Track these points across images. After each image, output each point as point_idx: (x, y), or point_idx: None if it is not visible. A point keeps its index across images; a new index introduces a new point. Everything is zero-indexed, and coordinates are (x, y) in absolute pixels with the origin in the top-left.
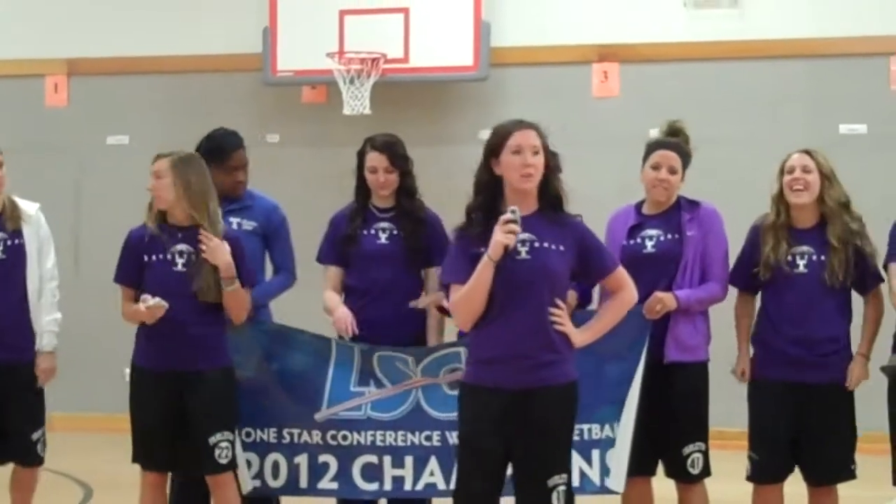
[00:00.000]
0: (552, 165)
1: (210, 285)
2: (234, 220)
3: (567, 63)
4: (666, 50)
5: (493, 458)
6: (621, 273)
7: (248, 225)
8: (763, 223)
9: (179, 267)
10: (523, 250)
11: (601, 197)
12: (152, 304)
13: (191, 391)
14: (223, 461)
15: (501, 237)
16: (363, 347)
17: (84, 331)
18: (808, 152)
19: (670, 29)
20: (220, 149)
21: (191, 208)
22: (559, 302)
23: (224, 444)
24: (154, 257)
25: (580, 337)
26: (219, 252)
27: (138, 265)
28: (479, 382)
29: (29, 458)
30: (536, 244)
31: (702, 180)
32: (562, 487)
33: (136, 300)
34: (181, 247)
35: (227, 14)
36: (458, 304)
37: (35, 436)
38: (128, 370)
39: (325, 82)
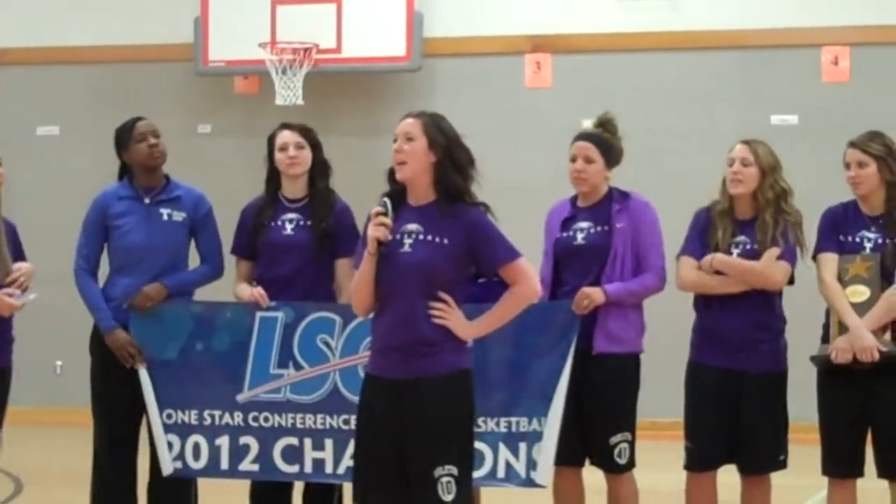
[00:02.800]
0: (447, 157)
1: None
2: (165, 212)
3: (500, 54)
4: (599, 41)
5: (388, 446)
6: (519, 266)
7: (178, 216)
8: (714, 209)
9: None
10: (407, 243)
11: (534, 187)
12: None
13: None
14: None
15: (372, 231)
16: (287, 315)
17: (15, 323)
18: (749, 144)
19: (604, 20)
20: (121, 130)
21: None
22: (443, 295)
23: None
24: None
25: (469, 330)
26: None
27: None
28: (371, 371)
29: None
30: (420, 237)
31: (636, 171)
32: (446, 479)
33: None
34: None
35: (159, 4)
36: (353, 292)
37: None
38: (59, 363)
39: (257, 72)
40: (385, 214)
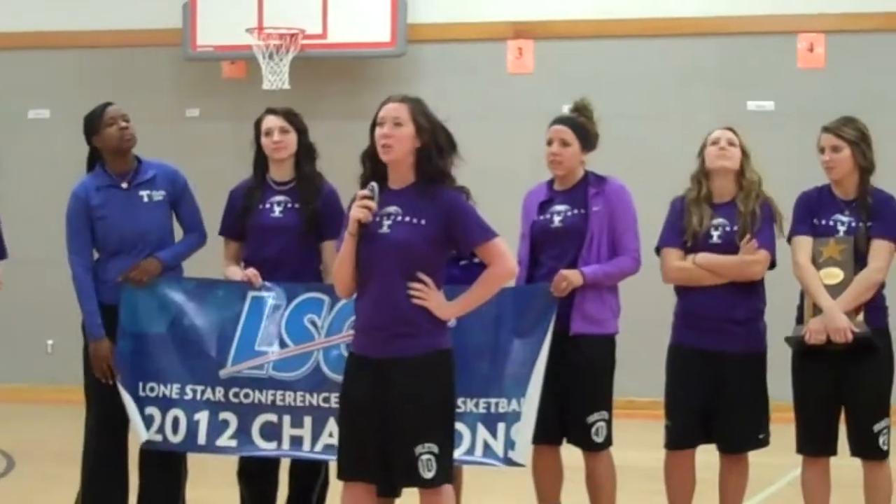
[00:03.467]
0: (431, 141)
1: None
2: (144, 194)
3: (482, 40)
4: (580, 27)
5: (369, 424)
6: (494, 245)
7: (158, 195)
8: (686, 197)
9: None
10: (386, 224)
11: (515, 170)
12: None
13: None
14: None
15: (355, 211)
16: (276, 296)
17: (7, 303)
18: (732, 129)
19: (584, 7)
20: (91, 116)
21: None
22: (422, 276)
23: None
24: None
25: (448, 310)
26: None
27: None
28: (356, 351)
29: None
30: (399, 218)
31: (614, 154)
32: (426, 456)
33: None
34: None
35: None
36: (335, 273)
37: None
38: (51, 342)
39: (244, 58)
40: (371, 198)
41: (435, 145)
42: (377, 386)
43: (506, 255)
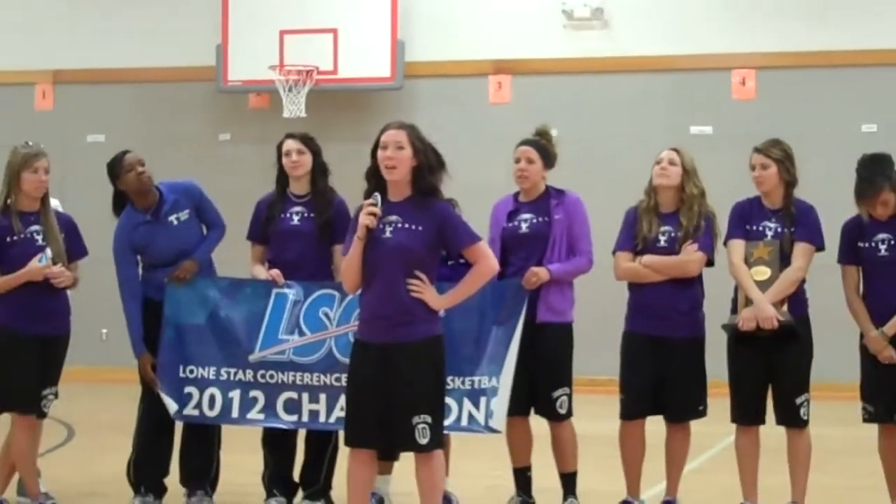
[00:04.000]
0: (425, 161)
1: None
2: (173, 218)
3: (468, 75)
4: (549, 64)
5: (373, 398)
6: (479, 248)
7: (184, 215)
8: (639, 207)
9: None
10: (388, 230)
11: (494, 185)
12: None
13: None
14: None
15: (362, 219)
16: (296, 293)
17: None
18: (676, 150)
19: (553, 47)
20: (111, 165)
21: None
22: (419, 273)
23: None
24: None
25: (440, 302)
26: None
27: None
28: (361, 338)
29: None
30: (399, 225)
31: (576, 172)
32: (421, 426)
33: None
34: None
35: (186, 33)
36: (343, 272)
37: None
38: (105, 330)
39: (268, 90)
40: (375, 206)
41: (428, 165)
42: (380, 367)
43: (489, 255)
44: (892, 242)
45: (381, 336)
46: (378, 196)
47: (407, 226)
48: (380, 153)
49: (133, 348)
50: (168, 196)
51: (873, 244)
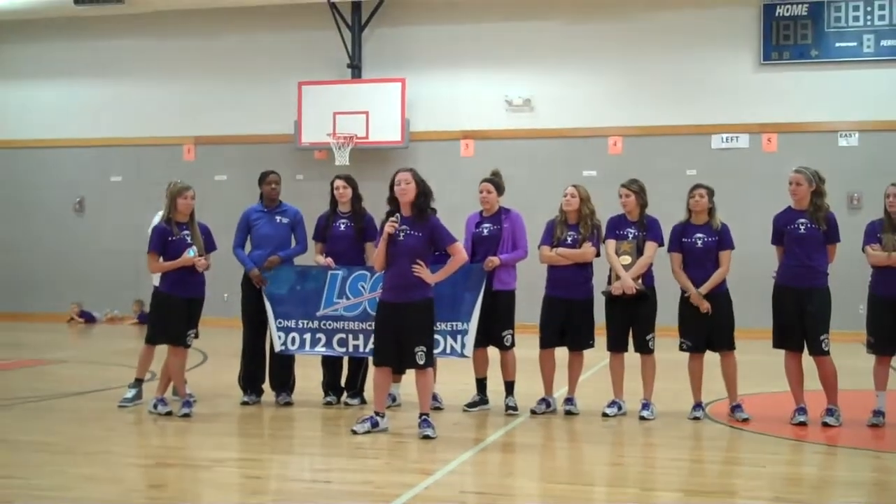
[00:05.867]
0: (421, 191)
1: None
2: (278, 218)
3: (448, 139)
4: (498, 133)
5: (391, 336)
6: (456, 246)
7: (285, 220)
8: (555, 220)
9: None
10: (402, 234)
11: (464, 207)
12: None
13: None
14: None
15: (388, 228)
16: (343, 272)
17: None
18: (575, 186)
19: (500, 122)
20: (262, 175)
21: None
22: (419, 261)
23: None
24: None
25: (432, 279)
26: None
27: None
28: (384, 299)
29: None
30: (408, 232)
31: (517, 198)
32: (421, 351)
33: None
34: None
35: (276, 112)
36: (375, 258)
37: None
38: (226, 295)
39: (326, 148)
40: (396, 221)
41: (424, 193)
42: (396, 317)
43: (462, 251)
44: (706, 239)
45: (397, 298)
46: (398, 215)
47: (412, 232)
48: (396, 187)
49: (246, 269)
50: (284, 206)
51: (692, 239)
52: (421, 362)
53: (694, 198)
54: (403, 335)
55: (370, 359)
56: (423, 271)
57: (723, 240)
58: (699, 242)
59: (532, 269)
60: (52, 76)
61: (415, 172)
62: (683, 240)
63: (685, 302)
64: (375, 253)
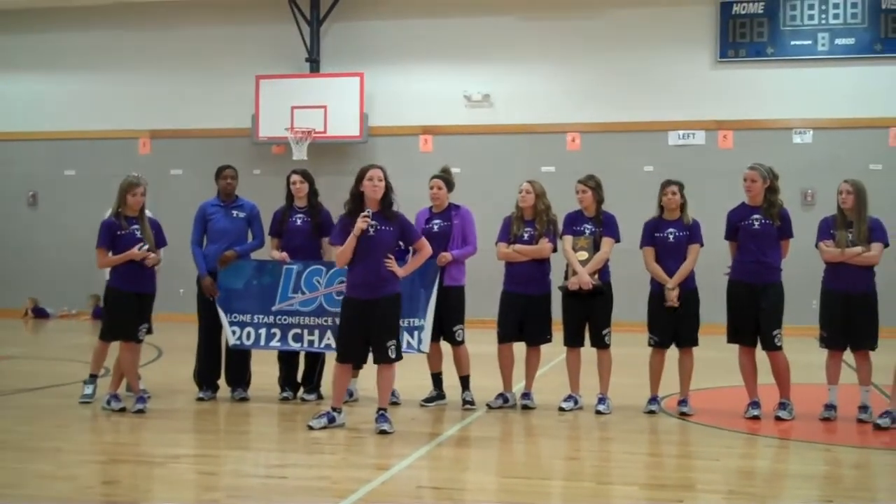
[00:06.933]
0: (388, 188)
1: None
2: (235, 212)
3: (407, 135)
4: (457, 129)
5: (358, 333)
6: (422, 242)
7: (241, 214)
8: (512, 216)
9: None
10: (371, 230)
11: (421, 203)
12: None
13: None
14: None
15: (360, 223)
16: (299, 267)
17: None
18: (530, 182)
19: (459, 118)
20: (219, 170)
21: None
22: (390, 256)
23: None
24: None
25: (400, 273)
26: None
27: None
28: (350, 295)
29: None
30: (378, 227)
31: (470, 194)
32: (392, 346)
33: None
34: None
35: (233, 106)
36: (339, 255)
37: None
38: (182, 290)
39: (284, 143)
40: (367, 217)
41: (388, 189)
42: (366, 312)
43: (427, 245)
44: (677, 233)
45: (369, 294)
46: (369, 211)
47: (382, 227)
48: (367, 182)
49: (199, 274)
50: (240, 201)
51: (665, 234)
52: (392, 356)
53: (667, 195)
54: (374, 331)
55: (326, 354)
56: (392, 266)
57: (693, 235)
58: (671, 237)
59: (489, 265)
60: (3, 68)
61: (383, 170)
62: (656, 234)
63: (654, 298)
64: (342, 248)
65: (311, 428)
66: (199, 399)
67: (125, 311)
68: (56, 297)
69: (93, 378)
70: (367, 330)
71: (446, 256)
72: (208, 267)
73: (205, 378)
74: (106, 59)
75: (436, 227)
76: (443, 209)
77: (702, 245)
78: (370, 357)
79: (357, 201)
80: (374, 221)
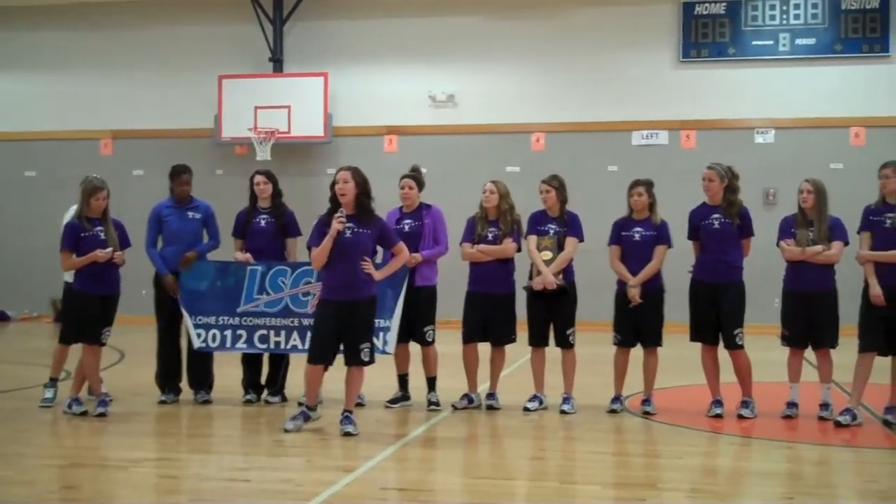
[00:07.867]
0: (362, 190)
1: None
2: (190, 213)
3: (372, 135)
4: (421, 129)
5: (332, 334)
6: (400, 245)
7: (196, 215)
8: (477, 216)
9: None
10: (348, 231)
11: (389, 203)
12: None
13: None
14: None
15: (336, 225)
16: (262, 268)
17: (125, 270)
18: (494, 182)
19: (423, 118)
20: (175, 172)
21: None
22: (366, 258)
23: None
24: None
25: (378, 275)
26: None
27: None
28: (325, 297)
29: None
30: (355, 229)
31: (438, 193)
32: (366, 348)
33: None
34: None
35: (195, 107)
36: (315, 257)
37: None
38: (144, 291)
39: (247, 143)
40: (343, 216)
41: (365, 193)
42: (342, 314)
43: (405, 249)
44: (643, 233)
45: (346, 296)
46: (343, 211)
47: (359, 230)
48: (337, 185)
49: (159, 273)
50: (195, 202)
51: (631, 232)
52: (366, 359)
53: (633, 196)
54: (348, 333)
55: (291, 356)
56: (370, 268)
57: (660, 235)
58: (637, 236)
59: (454, 265)
60: None
61: (355, 171)
62: (623, 233)
63: (619, 297)
64: (318, 249)
65: (286, 431)
66: (162, 402)
67: (89, 313)
68: (17, 300)
69: (53, 381)
70: (342, 331)
71: (416, 257)
72: (169, 268)
73: (166, 381)
74: (67, 59)
75: (406, 227)
76: (413, 209)
77: (670, 246)
78: (337, 358)
79: (334, 203)
80: (351, 224)
